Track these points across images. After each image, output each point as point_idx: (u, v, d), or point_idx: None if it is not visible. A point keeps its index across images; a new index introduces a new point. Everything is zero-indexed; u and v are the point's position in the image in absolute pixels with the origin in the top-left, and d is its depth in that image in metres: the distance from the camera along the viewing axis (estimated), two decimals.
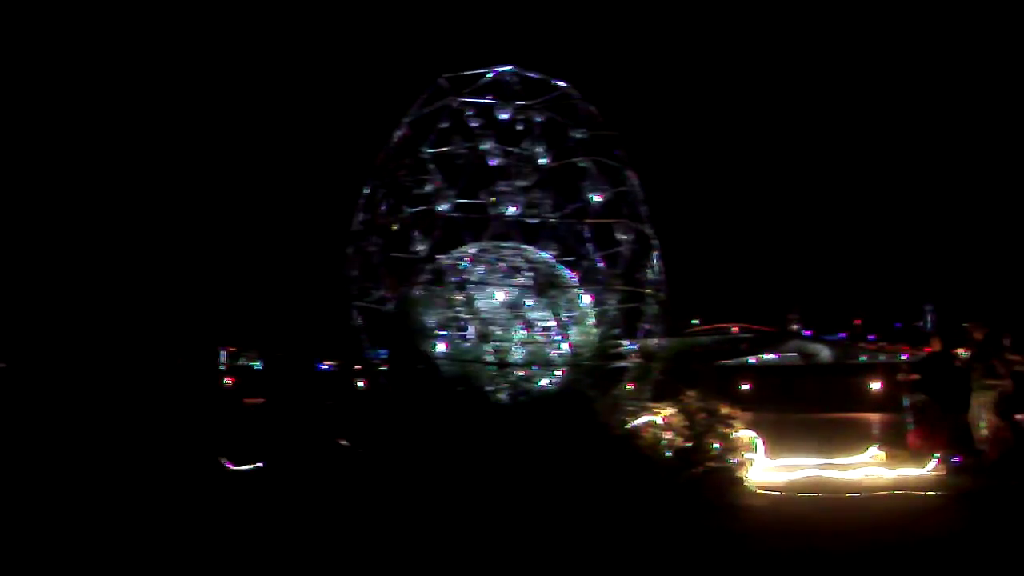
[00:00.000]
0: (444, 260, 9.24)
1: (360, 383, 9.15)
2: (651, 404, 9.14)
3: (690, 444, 8.34)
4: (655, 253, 9.56)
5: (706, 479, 7.90)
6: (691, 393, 9.11)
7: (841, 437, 11.96)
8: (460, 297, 9.18)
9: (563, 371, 9.29)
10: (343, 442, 7.78)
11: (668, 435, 8.67)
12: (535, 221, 9.54)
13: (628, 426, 8.66)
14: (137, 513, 6.39)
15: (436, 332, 9.24)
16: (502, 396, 8.84)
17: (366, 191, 9.66)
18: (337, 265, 9.46)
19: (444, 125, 9.50)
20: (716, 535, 6.18)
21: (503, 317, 10.17)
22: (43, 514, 6.43)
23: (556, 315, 9.33)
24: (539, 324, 10.02)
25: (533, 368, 9.44)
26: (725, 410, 9.08)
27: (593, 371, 8.84)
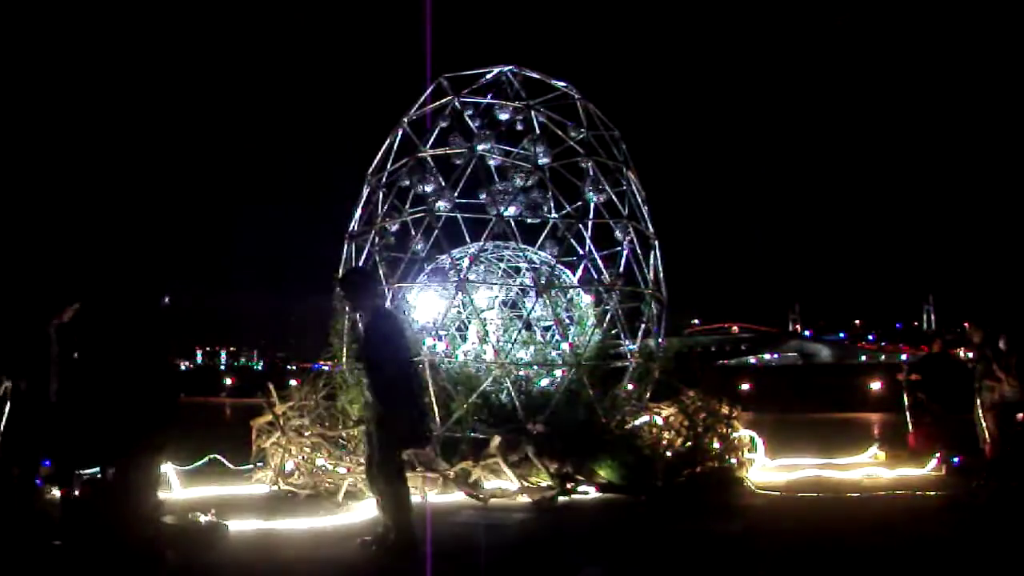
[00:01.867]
0: (444, 260, 9.24)
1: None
2: (651, 404, 9.15)
3: (690, 444, 8.35)
4: (655, 253, 9.56)
5: (706, 479, 7.91)
6: (691, 393, 9.12)
7: (841, 437, 11.95)
8: (460, 297, 9.19)
9: (563, 371, 9.29)
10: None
11: (668, 435, 8.68)
12: (535, 221, 9.54)
13: (628, 426, 8.67)
14: None
15: (435, 332, 9.24)
16: (502, 396, 8.85)
17: (365, 191, 9.67)
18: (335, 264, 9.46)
19: (444, 125, 9.51)
20: (716, 535, 6.17)
21: (503, 317, 10.19)
22: None
23: (556, 315, 9.33)
24: (539, 324, 10.03)
25: (533, 368, 9.45)
26: (725, 410, 9.08)
27: (593, 371, 8.84)
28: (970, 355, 10.44)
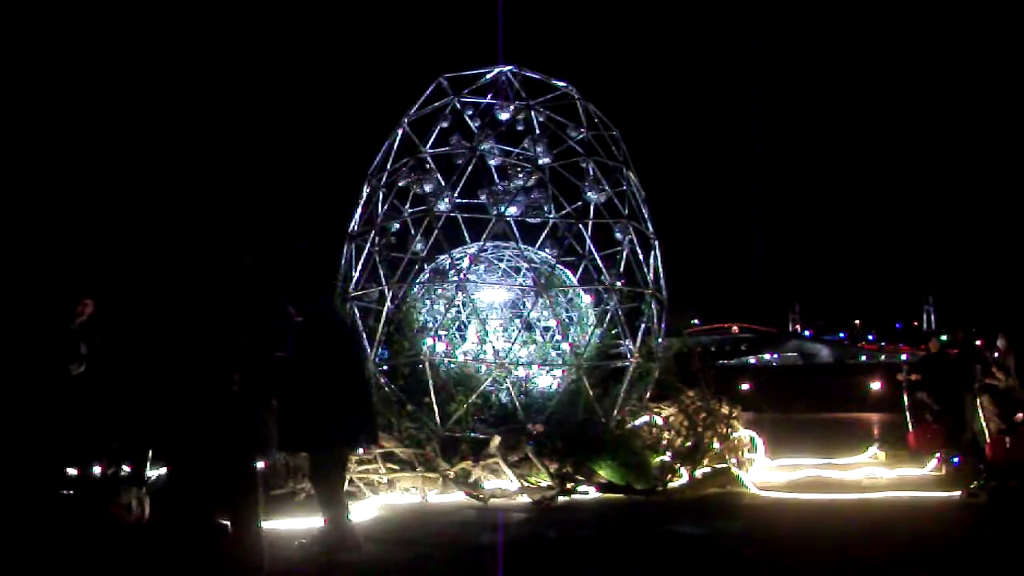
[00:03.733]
0: (444, 260, 9.24)
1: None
2: (651, 404, 9.15)
3: (690, 444, 8.35)
4: (655, 253, 9.57)
5: (706, 479, 7.91)
6: (691, 393, 9.12)
7: (841, 437, 11.95)
8: (460, 297, 9.19)
9: (563, 371, 9.29)
10: None
11: (668, 435, 8.68)
12: (535, 221, 9.55)
13: (628, 426, 8.67)
14: None
15: (435, 331, 9.24)
16: (502, 396, 8.85)
17: (365, 191, 9.67)
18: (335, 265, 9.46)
19: (444, 125, 9.51)
20: (716, 535, 6.18)
21: (503, 317, 10.19)
22: None
23: (556, 315, 9.33)
24: (539, 324, 10.03)
25: (533, 368, 9.45)
26: (725, 410, 9.08)
27: (593, 371, 8.84)
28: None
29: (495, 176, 9.58)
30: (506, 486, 7.51)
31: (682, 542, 5.99)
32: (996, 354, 9.52)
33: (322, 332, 5.58)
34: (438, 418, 8.07)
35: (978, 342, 11.00)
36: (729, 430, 8.82)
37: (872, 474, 8.87)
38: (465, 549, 5.76)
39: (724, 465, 8.21)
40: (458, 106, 9.52)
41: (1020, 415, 9.02)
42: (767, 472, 8.93)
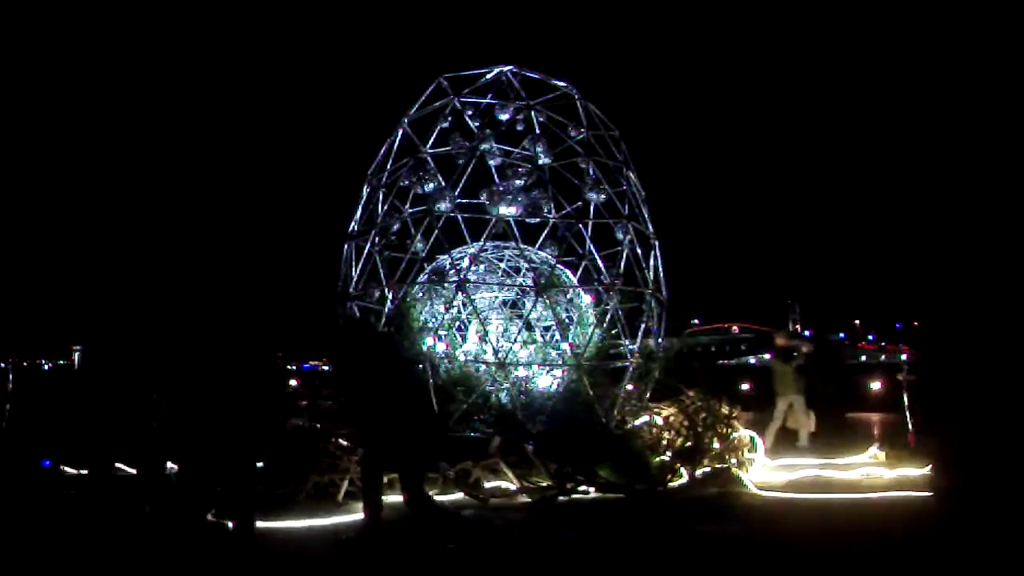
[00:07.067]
0: (444, 260, 9.24)
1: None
2: (651, 404, 9.15)
3: (690, 444, 8.35)
4: (655, 253, 9.57)
5: (706, 479, 7.91)
6: (691, 393, 9.12)
7: (841, 437, 11.93)
8: (460, 297, 9.18)
9: (563, 371, 9.29)
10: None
11: (668, 435, 8.69)
12: (535, 221, 9.54)
13: (628, 426, 8.67)
14: None
15: (434, 331, 9.24)
16: (502, 396, 8.85)
17: (365, 191, 9.67)
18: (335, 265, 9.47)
19: (444, 125, 9.51)
20: (716, 535, 6.17)
21: (503, 317, 10.19)
22: None
23: (556, 315, 9.32)
24: (539, 324, 10.03)
25: (533, 368, 9.45)
26: (725, 410, 9.08)
27: (593, 371, 8.84)
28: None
29: (495, 176, 9.58)
30: (506, 486, 7.51)
31: (682, 542, 5.99)
32: None
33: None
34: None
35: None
36: (729, 430, 8.82)
37: (872, 474, 8.87)
38: (465, 549, 5.75)
39: (724, 465, 8.21)
40: (458, 106, 9.51)
41: None
42: (767, 472, 8.93)
